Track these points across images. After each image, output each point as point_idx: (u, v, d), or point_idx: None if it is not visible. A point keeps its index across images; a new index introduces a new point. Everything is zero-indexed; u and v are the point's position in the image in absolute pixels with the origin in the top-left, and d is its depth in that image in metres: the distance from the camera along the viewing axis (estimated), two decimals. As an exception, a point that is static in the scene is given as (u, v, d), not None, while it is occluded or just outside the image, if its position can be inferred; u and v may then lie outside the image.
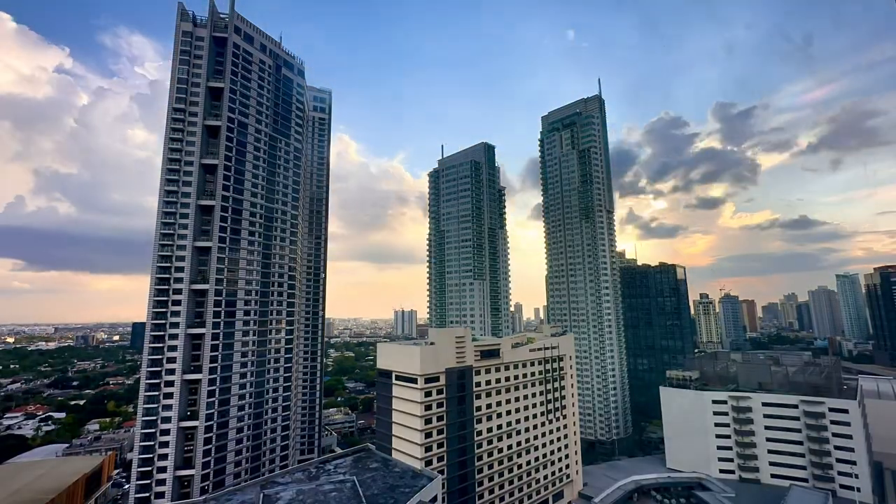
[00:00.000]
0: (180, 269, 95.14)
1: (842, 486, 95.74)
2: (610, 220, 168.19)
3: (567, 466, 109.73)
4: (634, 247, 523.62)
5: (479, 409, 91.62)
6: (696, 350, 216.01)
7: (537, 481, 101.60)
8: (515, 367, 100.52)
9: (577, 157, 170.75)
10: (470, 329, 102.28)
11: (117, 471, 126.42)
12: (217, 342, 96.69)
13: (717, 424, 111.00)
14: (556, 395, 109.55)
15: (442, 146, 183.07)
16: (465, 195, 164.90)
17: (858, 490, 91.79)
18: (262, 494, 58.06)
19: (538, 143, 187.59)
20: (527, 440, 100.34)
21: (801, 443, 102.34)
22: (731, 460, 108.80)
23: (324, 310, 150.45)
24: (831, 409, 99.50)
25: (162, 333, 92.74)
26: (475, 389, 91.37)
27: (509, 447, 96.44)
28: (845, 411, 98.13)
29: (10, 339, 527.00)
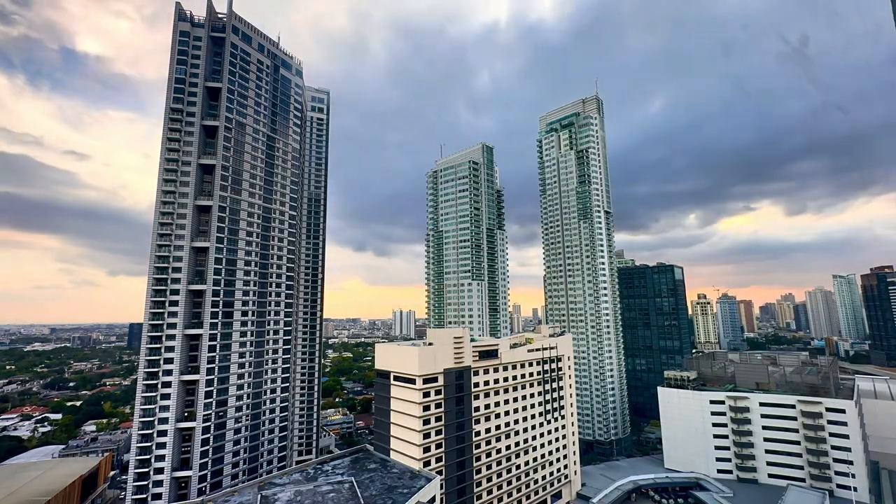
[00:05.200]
0: (178, 270, 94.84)
1: (839, 486, 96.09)
2: (608, 221, 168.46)
3: (565, 467, 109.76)
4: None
5: (477, 409, 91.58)
6: (693, 350, 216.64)
7: (536, 482, 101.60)
8: (514, 367, 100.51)
9: (576, 158, 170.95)
10: (468, 329, 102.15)
11: (114, 472, 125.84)
12: (214, 343, 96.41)
13: (714, 424, 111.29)
14: (555, 395, 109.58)
15: (441, 146, 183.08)
16: (464, 196, 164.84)
17: (855, 490, 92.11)
18: (259, 495, 57.83)
19: (536, 143, 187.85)
20: (525, 440, 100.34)
21: (798, 443, 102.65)
22: (728, 460, 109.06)
23: (322, 310, 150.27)
24: (828, 409, 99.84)
25: (159, 334, 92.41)
26: (473, 390, 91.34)
27: (508, 447, 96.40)
28: (842, 411, 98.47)
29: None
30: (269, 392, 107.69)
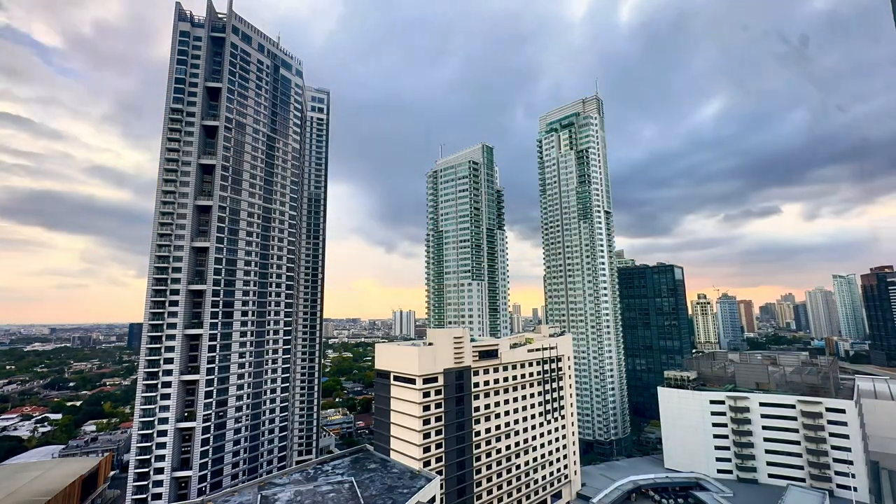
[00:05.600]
0: (178, 270, 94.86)
1: (839, 486, 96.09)
2: (608, 221, 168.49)
3: (565, 467, 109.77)
4: (633, 247, 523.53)
5: (477, 409, 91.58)
6: (693, 350, 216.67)
7: (536, 481, 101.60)
8: (514, 367, 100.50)
9: (576, 158, 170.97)
10: (468, 329, 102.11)
11: (114, 472, 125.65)
12: (215, 343, 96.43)
13: (714, 424, 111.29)
14: (555, 395, 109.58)
15: (441, 146, 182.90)
16: (464, 196, 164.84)
17: (855, 490, 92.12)
18: (259, 495, 57.83)
19: (536, 143, 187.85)
20: (525, 440, 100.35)
21: (798, 443, 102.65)
22: (728, 460, 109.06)
23: (322, 310, 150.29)
24: (828, 409, 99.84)
25: (159, 334, 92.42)
26: (473, 390, 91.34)
27: (508, 447, 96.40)
28: (842, 411, 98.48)
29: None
30: (269, 392, 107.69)
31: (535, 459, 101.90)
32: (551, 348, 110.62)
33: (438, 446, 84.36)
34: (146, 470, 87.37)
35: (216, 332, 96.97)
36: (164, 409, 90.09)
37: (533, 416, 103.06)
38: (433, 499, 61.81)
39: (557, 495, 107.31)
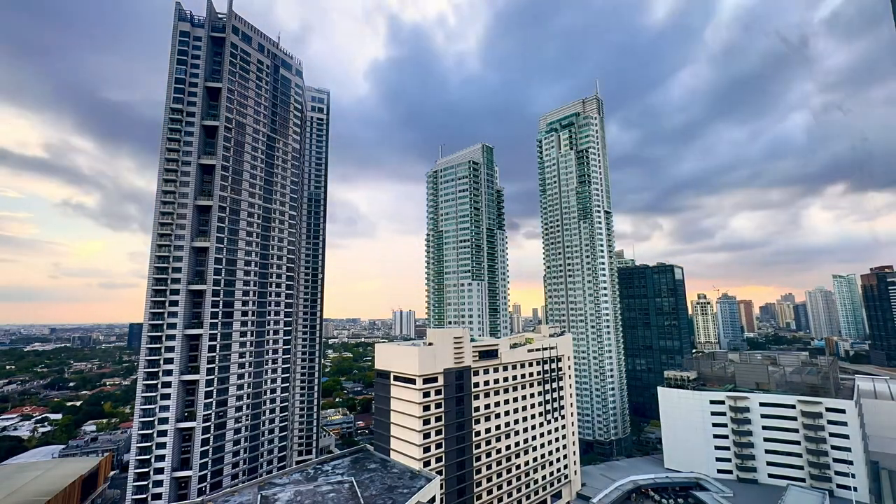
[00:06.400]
0: (178, 270, 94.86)
1: (839, 486, 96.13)
2: (608, 221, 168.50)
3: (565, 467, 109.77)
4: (633, 247, 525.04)
5: (477, 409, 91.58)
6: (693, 350, 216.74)
7: (536, 481, 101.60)
8: (514, 367, 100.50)
9: (576, 158, 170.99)
10: (468, 329, 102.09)
11: (114, 472, 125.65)
12: (215, 343, 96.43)
13: (714, 424, 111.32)
14: (555, 395, 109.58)
15: (440, 147, 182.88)
16: (464, 196, 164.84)
17: (855, 490, 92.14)
18: (259, 495, 57.85)
19: (536, 143, 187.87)
20: (525, 440, 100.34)
21: (798, 443, 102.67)
22: (728, 460, 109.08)
23: (322, 310, 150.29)
24: (828, 409, 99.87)
25: (159, 334, 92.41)
26: (473, 390, 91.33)
27: (508, 447, 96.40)
28: (842, 411, 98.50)
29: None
30: (269, 392, 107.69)
31: (535, 459, 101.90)
32: (551, 348, 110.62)
33: (438, 446, 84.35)
34: (146, 470, 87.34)
35: (216, 332, 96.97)
36: (164, 409, 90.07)
37: (533, 416, 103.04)
38: (433, 499, 61.81)
39: (557, 495, 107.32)
